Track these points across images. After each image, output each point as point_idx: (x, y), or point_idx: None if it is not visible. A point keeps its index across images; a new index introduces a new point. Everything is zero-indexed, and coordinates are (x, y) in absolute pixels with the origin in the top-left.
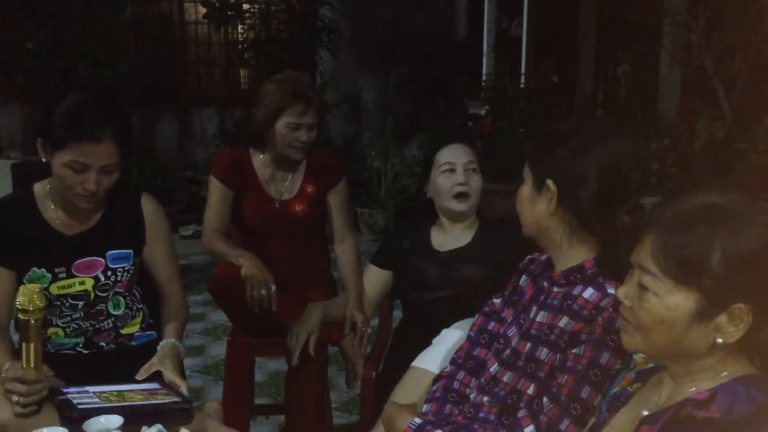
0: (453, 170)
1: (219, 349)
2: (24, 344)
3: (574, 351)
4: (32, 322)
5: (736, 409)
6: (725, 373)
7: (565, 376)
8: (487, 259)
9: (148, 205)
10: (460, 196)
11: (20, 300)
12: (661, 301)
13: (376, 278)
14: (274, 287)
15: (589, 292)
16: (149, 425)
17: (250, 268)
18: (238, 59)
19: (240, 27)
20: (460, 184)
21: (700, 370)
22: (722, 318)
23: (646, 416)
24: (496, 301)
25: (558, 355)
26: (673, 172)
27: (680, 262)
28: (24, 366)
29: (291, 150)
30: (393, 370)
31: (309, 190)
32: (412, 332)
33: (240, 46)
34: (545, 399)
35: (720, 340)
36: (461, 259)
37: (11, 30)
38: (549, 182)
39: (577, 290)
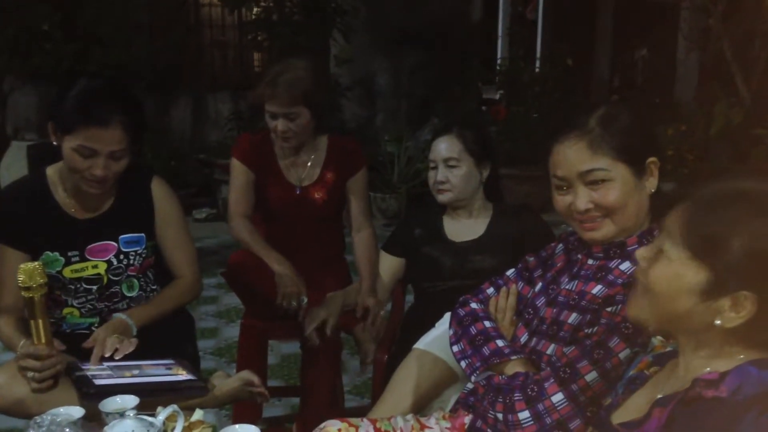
0: (435, 167)
1: (232, 332)
2: (32, 321)
3: (608, 309)
4: (36, 298)
5: (744, 390)
6: (742, 356)
7: (596, 328)
8: (502, 249)
9: (158, 189)
10: (440, 191)
11: (21, 278)
12: (672, 267)
13: (388, 265)
14: (305, 299)
15: (626, 265)
16: (164, 405)
17: (284, 277)
18: (251, 42)
19: (254, 9)
20: (438, 182)
21: (710, 348)
22: (725, 301)
23: (659, 398)
24: (530, 259)
25: (588, 316)
26: (689, 157)
27: (702, 237)
28: (35, 342)
29: (277, 139)
30: (404, 354)
31: (328, 177)
32: (424, 318)
33: (253, 28)
34: (568, 350)
35: (718, 322)
36: (476, 250)
37: (27, 12)
38: (652, 159)
39: (613, 263)
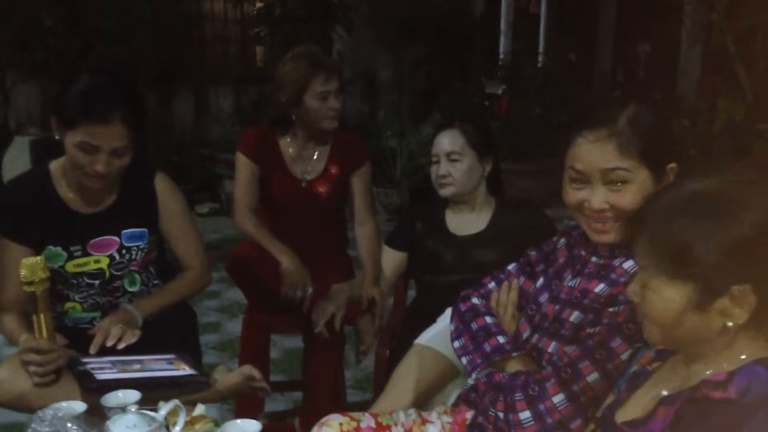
0: (438, 162)
1: (235, 326)
2: (34, 316)
3: (611, 309)
4: (38, 293)
5: (754, 390)
6: (744, 356)
7: (597, 328)
8: (504, 243)
9: (161, 184)
10: (442, 185)
11: (24, 273)
12: (659, 295)
13: (391, 259)
14: (310, 290)
15: (629, 263)
16: (166, 399)
17: (290, 268)
18: (253, 36)
19: (256, 3)
20: (440, 176)
21: (713, 351)
22: (724, 302)
23: (664, 397)
24: (532, 253)
25: (590, 315)
26: (692, 153)
27: (670, 254)
28: (37, 337)
29: (326, 121)
30: (406, 348)
31: (333, 171)
32: (426, 312)
33: (256, 23)
34: (569, 350)
35: (730, 324)
36: (478, 244)
37: (30, 6)
38: (673, 165)
39: (617, 262)
